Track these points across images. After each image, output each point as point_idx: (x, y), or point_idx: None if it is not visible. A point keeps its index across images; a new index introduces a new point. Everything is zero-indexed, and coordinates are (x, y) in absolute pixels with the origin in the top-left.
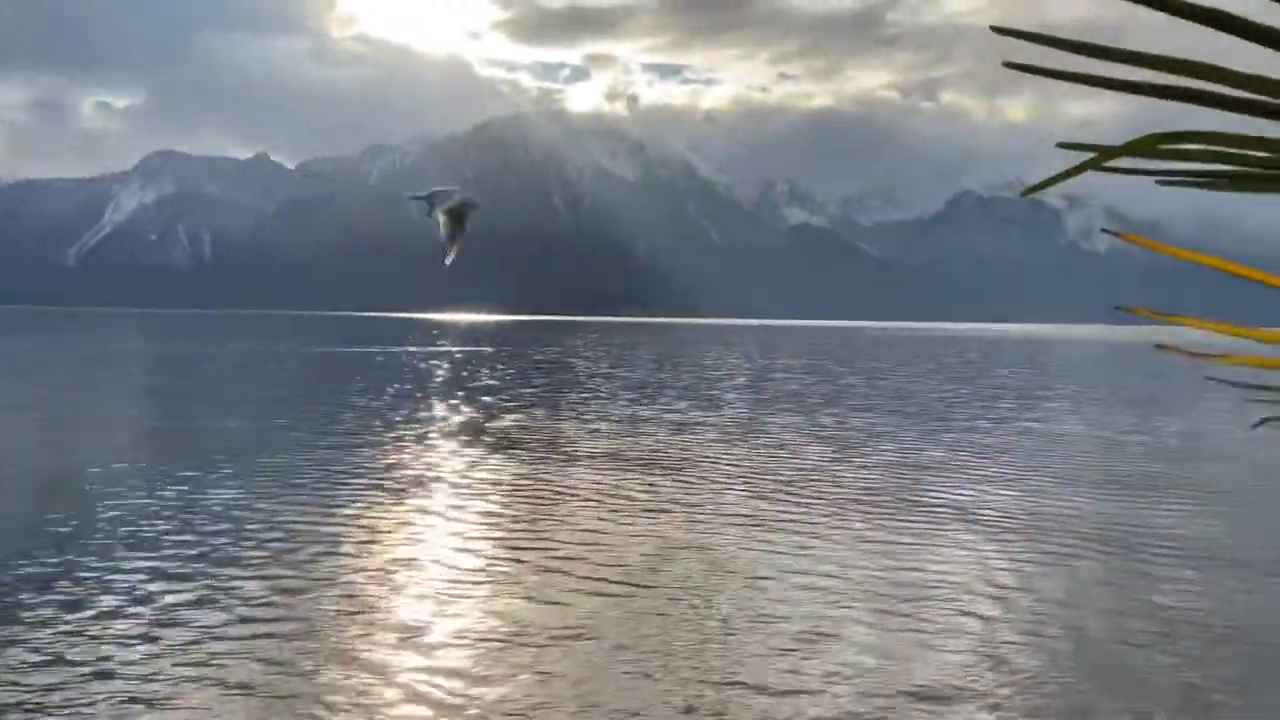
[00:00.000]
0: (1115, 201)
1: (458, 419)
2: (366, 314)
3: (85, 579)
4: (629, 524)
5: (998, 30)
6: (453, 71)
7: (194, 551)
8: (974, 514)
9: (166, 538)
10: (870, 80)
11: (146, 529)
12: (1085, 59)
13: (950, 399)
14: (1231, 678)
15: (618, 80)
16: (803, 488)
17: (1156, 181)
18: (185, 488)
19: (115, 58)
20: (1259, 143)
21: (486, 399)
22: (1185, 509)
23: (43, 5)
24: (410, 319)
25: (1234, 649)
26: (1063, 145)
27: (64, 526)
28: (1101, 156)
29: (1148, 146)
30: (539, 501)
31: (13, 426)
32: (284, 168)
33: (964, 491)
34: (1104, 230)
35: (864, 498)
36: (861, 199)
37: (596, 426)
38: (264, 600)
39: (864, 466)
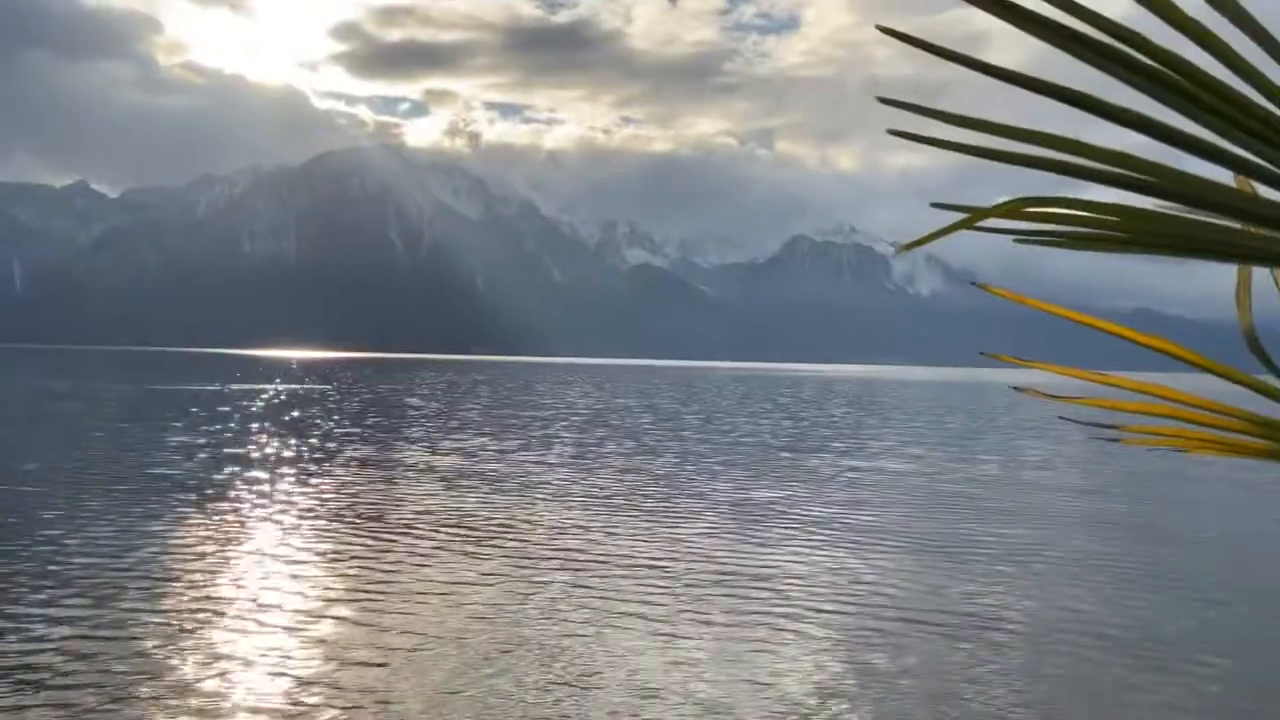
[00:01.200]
0: (934, 250)
1: (285, 452)
2: (190, 350)
3: None
4: (445, 556)
5: (885, 101)
6: (288, 103)
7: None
8: (810, 525)
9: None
10: (709, 126)
11: None
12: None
13: (786, 433)
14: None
15: (459, 117)
16: (630, 513)
17: (1014, 240)
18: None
19: None
20: (1112, 209)
21: (315, 434)
22: (1006, 524)
23: None
24: (238, 355)
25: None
26: (936, 205)
27: None
28: (974, 217)
29: (1014, 209)
30: (352, 534)
31: None
32: (105, 196)
33: (810, 508)
34: (974, 284)
35: (713, 525)
36: (700, 241)
37: (420, 459)
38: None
39: (699, 496)
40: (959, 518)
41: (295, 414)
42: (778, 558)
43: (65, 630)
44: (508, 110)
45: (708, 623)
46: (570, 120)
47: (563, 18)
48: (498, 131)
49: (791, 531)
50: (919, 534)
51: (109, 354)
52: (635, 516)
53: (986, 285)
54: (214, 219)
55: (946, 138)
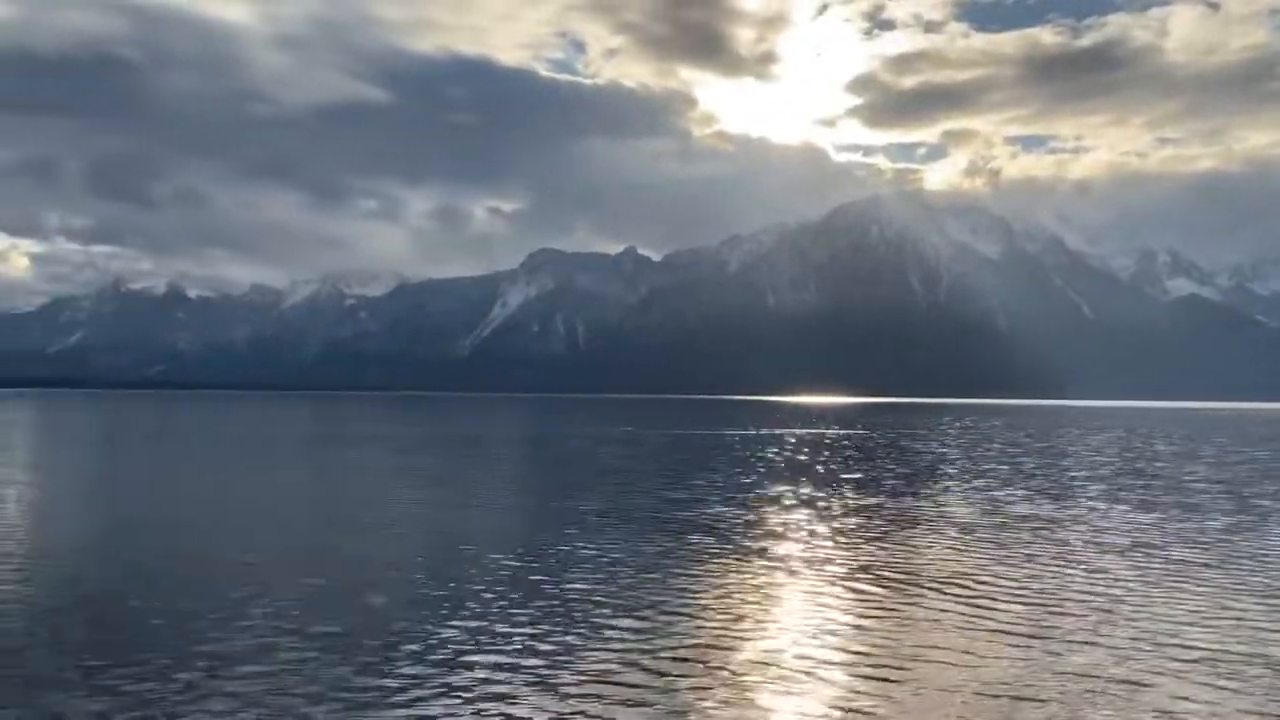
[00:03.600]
0: None
1: (806, 494)
2: (725, 397)
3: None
4: (995, 612)
5: None
6: (808, 160)
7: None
8: None
9: (576, 588)
10: (1263, 138)
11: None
12: None
13: None
14: None
15: (978, 155)
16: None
17: None
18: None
19: (504, 168)
20: None
21: (834, 477)
22: None
23: (452, 126)
24: (766, 401)
25: None
26: None
27: (514, 564)
28: None
29: None
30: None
31: (445, 496)
32: (650, 260)
33: None
34: None
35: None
36: (1258, 266)
37: (939, 507)
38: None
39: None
40: None
41: (816, 457)
42: None
43: (601, 653)
44: (1030, 143)
45: None
46: (1098, 146)
47: (1087, 40)
48: (1019, 166)
49: None
50: None
51: (654, 402)
52: (1196, 585)
53: None
54: (742, 275)
55: None
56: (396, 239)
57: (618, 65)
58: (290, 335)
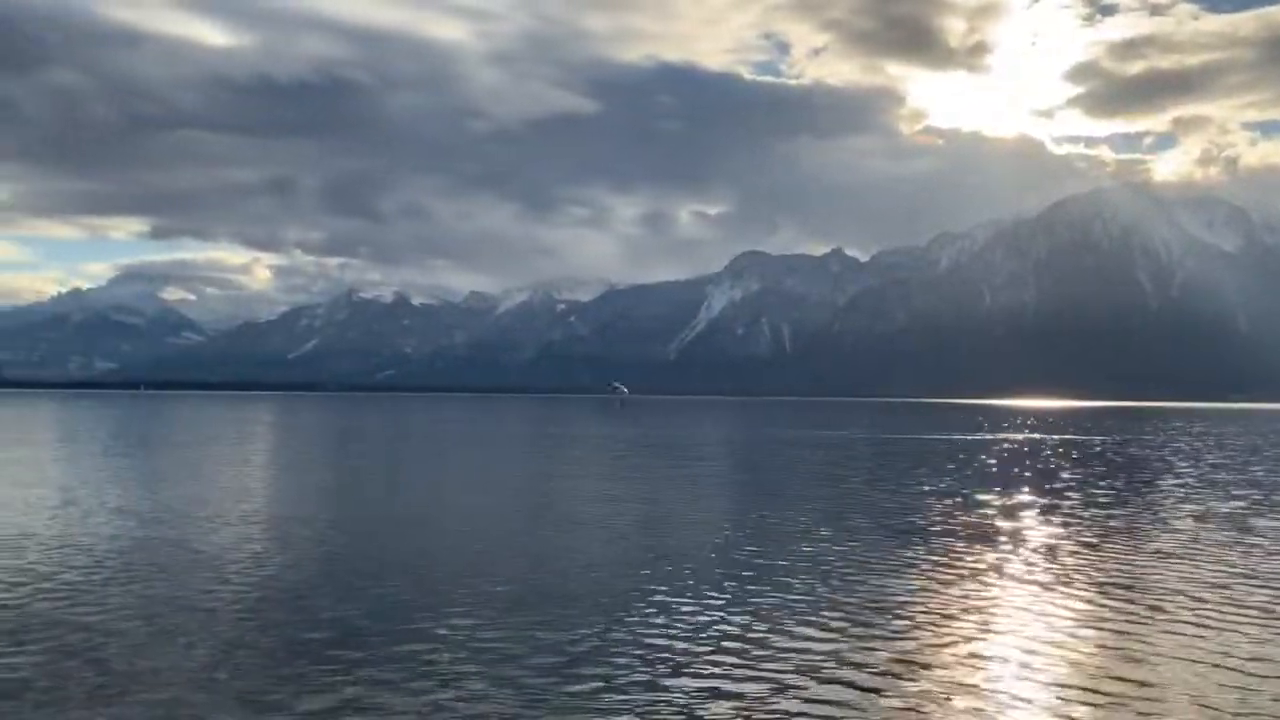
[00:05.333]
0: None
1: (1026, 502)
2: (934, 400)
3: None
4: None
5: None
6: (1024, 153)
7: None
8: None
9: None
10: None
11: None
12: None
13: None
14: None
15: (1212, 143)
16: None
17: None
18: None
19: (709, 172)
20: None
21: (1052, 486)
22: None
23: (658, 132)
24: (980, 405)
25: None
26: None
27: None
28: None
29: None
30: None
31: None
32: (857, 260)
33: None
34: None
35: None
36: None
37: (1168, 518)
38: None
39: None
40: None
41: (1033, 465)
42: None
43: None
44: (1270, 129)
45: None
46: None
47: None
48: (1259, 153)
49: None
50: None
51: (861, 405)
52: None
53: None
54: (954, 274)
55: None
56: (605, 245)
57: (823, 64)
58: (505, 340)
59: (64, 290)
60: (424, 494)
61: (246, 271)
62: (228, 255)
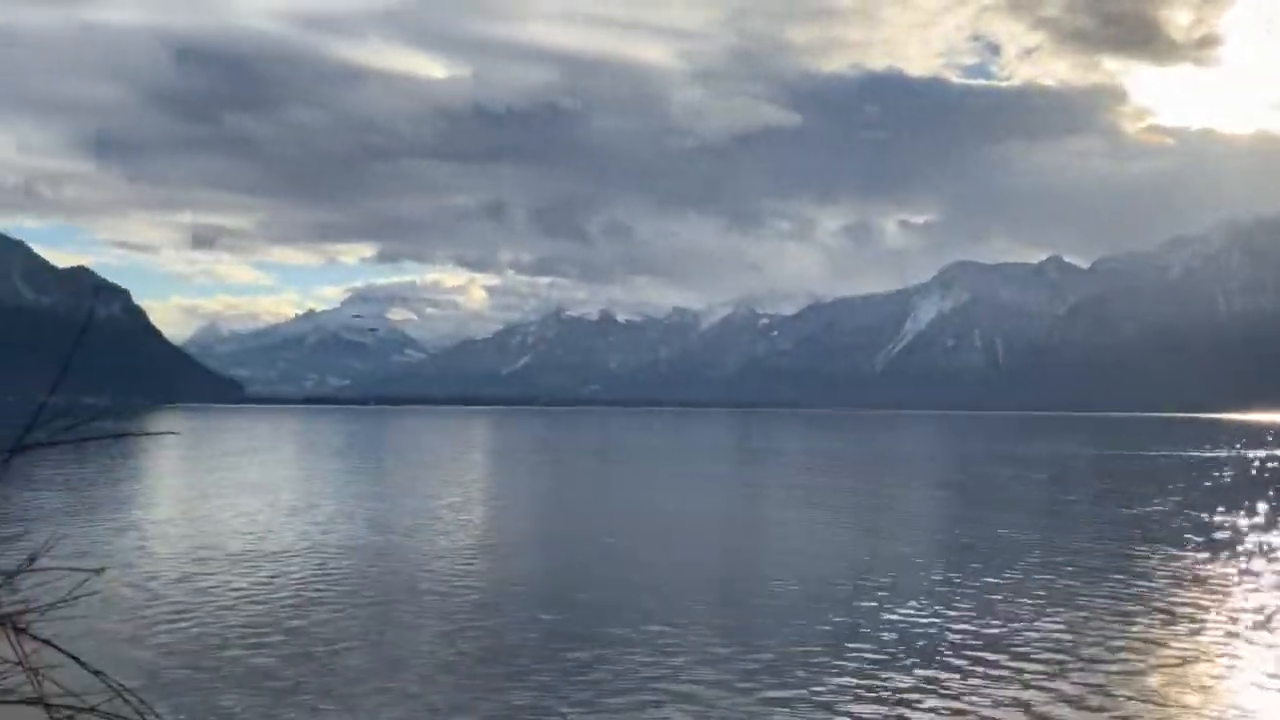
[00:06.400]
0: None
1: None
2: (1166, 415)
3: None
4: None
5: None
6: (1263, 150)
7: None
8: None
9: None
10: None
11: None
12: None
13: None
14: None
15: None
16: None
17: None
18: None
19: (915, 180)
20: None
21: None
22: None
23: (862, 142)
24: (1216, 420)
25: None
26: None
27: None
28: None
29: None
30: None
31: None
32: (1077, 267)
33: None
34: None
35: None
36: None
37: None
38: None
39: None
40: None
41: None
42: None
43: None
44: None
45: None
46: None
47: None
48: None
49: None
50: None
51: (1084, 420)
52: None
53: None
54: (1187, 279)
55: None
56: (808, 258)
57: (1035, 64)
58: (708, 355)
59: (300, 312)
60: (670, 503)
61: (463, 292)
62: (446, 277)
